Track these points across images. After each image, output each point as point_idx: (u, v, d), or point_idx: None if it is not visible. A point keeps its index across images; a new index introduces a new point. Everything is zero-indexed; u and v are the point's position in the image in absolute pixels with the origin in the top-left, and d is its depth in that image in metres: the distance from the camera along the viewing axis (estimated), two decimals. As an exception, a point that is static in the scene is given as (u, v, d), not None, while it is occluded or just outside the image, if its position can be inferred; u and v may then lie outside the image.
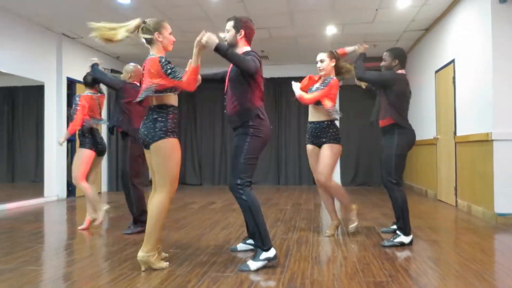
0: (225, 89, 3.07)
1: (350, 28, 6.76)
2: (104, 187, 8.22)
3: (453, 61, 5.70)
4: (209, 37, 2.63)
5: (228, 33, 3.04)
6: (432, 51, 6.70)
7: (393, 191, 3.46)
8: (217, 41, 2.66)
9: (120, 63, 8.67)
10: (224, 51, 2.68)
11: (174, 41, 2.90)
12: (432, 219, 4.73)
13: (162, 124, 2.72)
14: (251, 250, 3.19)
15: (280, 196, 7.11)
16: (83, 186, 4.19)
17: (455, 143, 5.53)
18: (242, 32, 3.03)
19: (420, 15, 6.13)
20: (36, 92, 6.64)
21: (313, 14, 6.13)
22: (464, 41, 5.33)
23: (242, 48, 3.04)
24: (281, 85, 9.41)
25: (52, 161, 6.87)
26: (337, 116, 3.74)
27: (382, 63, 3.70)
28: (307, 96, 3.74)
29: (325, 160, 3.70)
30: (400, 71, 3.60)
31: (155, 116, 2.74)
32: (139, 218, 4.00)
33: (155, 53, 2.78)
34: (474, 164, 4.94)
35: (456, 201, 5.55)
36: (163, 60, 2.70)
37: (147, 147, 2.78)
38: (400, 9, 5.84)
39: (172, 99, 2.80)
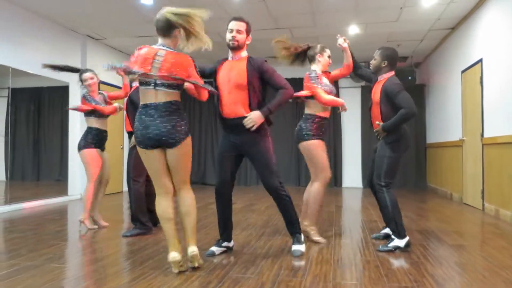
0: (221, 92, 3.04)
1: (373, 28, 6.65)
2: (125, 187, 8.31)
3: (480, 60, 5.53)
4: (254, 123, 2.89)
5: (240, 34, 3.01)
6: (458, 51, 6.53)
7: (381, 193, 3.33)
8: (260, 115, 2.89)
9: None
10: (270, 111, 2.94)
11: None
12: (458, 223, 4.60)
13: (185, 122, 2.69)
14: (224, 252, 3.20)
15: (300, 197, 6.99)
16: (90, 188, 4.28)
17: (482, 144, 5.36)
18: (250, 37, 3.11)
19: (446, 14, 5.98)
20: (61, 92, 6.78)
21: (335, 14, 6.06)
22: (492, 40, 5.17)
23: (244, 52, 3.09)
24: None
25: (76, 160, 6.99)
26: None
27: (371, 61, 3.51)
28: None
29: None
30: (389, 74, 3.40)
31: (176, 115, 2.65)
32: (138, 217, 3.92)
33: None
34: (502, 166, 4.79)
35: (483, 205, 5.38)
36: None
37: (171, 146, 2.62)
38: (425, 7, 5.71)
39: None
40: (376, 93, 3.42)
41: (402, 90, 3.26)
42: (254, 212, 5.33)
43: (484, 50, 5.45)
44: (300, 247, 3.15)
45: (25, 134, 6.56)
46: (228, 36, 3.02)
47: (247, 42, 3.07)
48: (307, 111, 3.70)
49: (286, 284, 2.46)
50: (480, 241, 3.72)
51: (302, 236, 3.23)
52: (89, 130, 4.27)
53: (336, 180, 9.17)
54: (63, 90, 6.77)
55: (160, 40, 2.70)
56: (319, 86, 3.57)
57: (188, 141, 2.69)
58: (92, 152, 4.24)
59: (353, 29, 6.70)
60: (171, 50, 2.67)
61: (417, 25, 6.50)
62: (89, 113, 4.26)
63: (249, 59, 3.03)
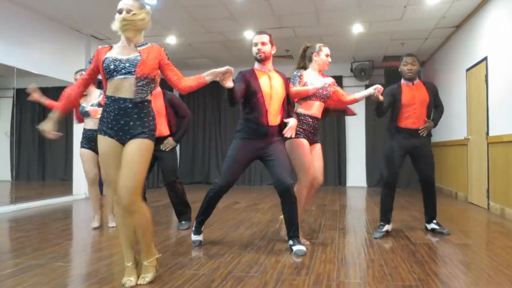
0: (264, 101, 3.21)
1: (377, 26, 6.63)
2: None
3: (485, 59, 5.50)
4: (293, 131, 3.22)
5: (265, 46, 3.25)
6: (463, 49, 6.49)
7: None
8: (296, 122, 3.23)
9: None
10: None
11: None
12: (463, 222, 4.57)
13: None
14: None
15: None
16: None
17: (488, 143, 5.33)
18: (275, 48, 3.35)
19: (451, 12, 5.95)
20: (65, 93, 6.79)
21: (339, 13, 6.04)
22: (497, 38, 5.13)
23: (271, 63, 3.37)
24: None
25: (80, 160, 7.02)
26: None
27: (407, 67, 3.78)
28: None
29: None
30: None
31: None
32: (188, 212, 4.26)
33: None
34: (507, 165, 4.75)
35: (488, 204, 5.35)
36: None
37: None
38: (430, 5, 5.68)
39: None
40: (421, 94, 3.79)
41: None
42: (258, 212, 5.33)
43: (489, 48, 5.42)
44: (302, 247, 3.16)
45: (30, 134, 6.60)
46: (254, 49, 3.28)
47: (273, 52, 3.32)
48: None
49: (290, 283, 2.46)
50: (485, 240, 3.70)
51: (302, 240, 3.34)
52: (83, 130, 4.32)
53: (340, 179, 9.16)
54: (68, 90, 6.79)
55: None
56: (297, 86, 3.40)
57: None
58: (81, 152, 4.26)
59: (357, 28, 6.68)
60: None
61: (421, 24, 6.47)
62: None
63: (280, 73, 3.40)
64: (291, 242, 3.22)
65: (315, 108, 3.48)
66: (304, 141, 3.40)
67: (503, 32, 4.96)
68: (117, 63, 2.37)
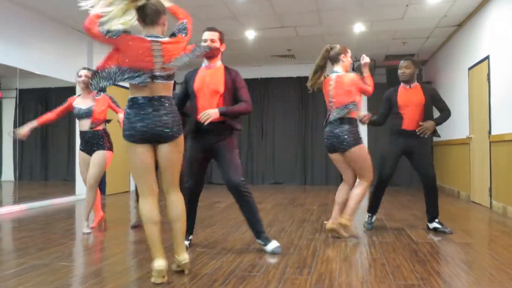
0: (197, 98, 3.19)
1: (379, 25, 6.62)
2: (132, 186, 8.36)
3: (487, 57, 5.49)
4: (209, 116, 2.98)
5: (213, 43, 3.18)
6: (465, 48, 6.48)
7: None
8: (216, 111, 3.02)
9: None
10: (226, 113, 3.09)
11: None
12: (465, 221, 4.57)
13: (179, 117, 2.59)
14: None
15: (306, 196, 7.05)
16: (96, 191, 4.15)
17: (490, 142, 5.33)
18: (224, 46, 3.29)
19: (453, 10, 5.94)
20: (68, 93, 6.79)
21: (341, 12, 6.04)
22: (499, 37, 5.13)
23: (219, 60, 3.26)
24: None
25: (83, 160, 7.05)
26: None
27: (406, 70, 3.90)
28: None
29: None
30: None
31: (171, 107, 2.55)
32: None
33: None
34: (510, 164, 4.75)
35: (491, 203, 5.35)
36: None
37: (169, 139, 2.51)
38: (431, 4, 5.68)
39: None
40: (417, 97, 3.86)
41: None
42: (261, 211, 5.31)
43: (491, 47, 5.41)
44: (276, 244, 3.17)
45: (33, 135, 6.60)
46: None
47: (222, 50, 3.27)
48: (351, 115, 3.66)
49: (292, 282, 2.47)
50: (488, 239, 3.70)
51: (266, 233, 3.27)
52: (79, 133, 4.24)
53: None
54: (70, 91, 6.81)
55: (146, 30, 2.53)
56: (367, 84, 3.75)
57: (182, 138, 2.60)
58: (78, 154, 4.23)
59: (359, 27, 6.68)
60: (166, 39, 2.54)
61: (423, 23, 6.46)
62: None
63: (226, 68, 3.25)
64: (260, 241, 3.21)
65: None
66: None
67: (505, 30, 4.96)
68: None
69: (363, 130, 8.93)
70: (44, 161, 6.91)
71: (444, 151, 7.74)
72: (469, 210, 5.38)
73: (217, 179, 9.61)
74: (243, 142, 9.63)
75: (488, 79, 5.43)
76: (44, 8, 5.86)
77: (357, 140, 3.61)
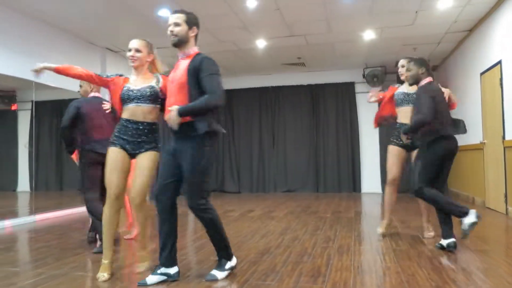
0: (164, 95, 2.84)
1: (389, 32, 6.63)
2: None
3: (499, 62, 5.45)
4: (171, 120, 2.52)
5: (178, 27, 2.65)
6: (476, 53, 6.44)
7: None
8: (176, 115, 2.50)
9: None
10: (186, 111, 2.53)
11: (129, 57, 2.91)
12: (481, 227, 4.51)
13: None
14: (163, 282, 2.66)
15: (319, 204, 7.04)
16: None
17: (504, 147, 5.27)
18: (195, 29, 2.73)
19: (463, 16, 5.92)
20: (82, 104, 6.94)
21: (350, 20, 6.06)
22: (511, 41, 5.09)
23: (193, 48, 2.73)
24: (318, 92, 9.35)
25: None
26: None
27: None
28: None
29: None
30: (428, 79, 3.53)
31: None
32: None
33: None
34: (525, 169, 4.69)
35: (507, 209, 5.27)
36: None
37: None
38: (441, 10, 5.67)
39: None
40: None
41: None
42: (273, 219, 5.35)
43: (503, 51, 5.37)
44: (217, 273, 2.72)
45: (48, 146, 6.76)
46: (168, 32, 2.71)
47: (191, 34, 2.70)
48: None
49: (307, 291, 2.47)
50: (504, 246, 3.65)
51: (228, 263, 2.78)
52: None
53: (354, 185, 9.11)
54: (84, 102, 6.94)
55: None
56: None
57: None
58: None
59: (369, 34, 6.69)
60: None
61: (433, 28, 6.45)
62: None
63: (194, 57, 2.68)
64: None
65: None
66: (392, 147, 3.99)
67: (517, 35, 4.92)
68: None
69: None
70: (59, 172, 7.01)
71: (458, 157, 7.62)
72: (485, 216, 5.31)
73: (229, 187, 9.64)
74: (255, 151, 9.66)
75: (501, 84, 5.38)
76: (59, 22, 5.99)
77: None
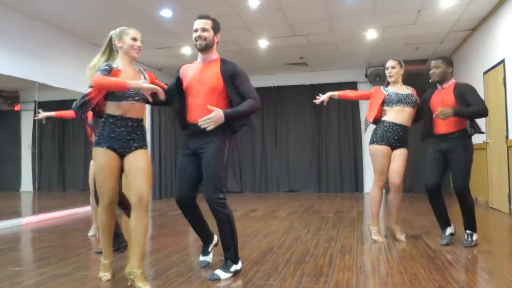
0: (188, 95, 2.85)
1: (391, 31, 6.61)
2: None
3: (503, 61, 5.43)
4: (215, 121, 2.60)
5: (205, 32, 2.81)
6: (479, 52, 6.42)
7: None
8: (222, 115, 2.62)
9: (163, 75, 8.94)
10: (231, 115, 2.68)
11: (138, 47, 2.82)
12: (484, 228, 4.50)
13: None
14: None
15: (322, 204, 7.03)
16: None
17: (508, 147, 5.25)
18: (219, 35, 2.92)
19: (466, 15, 5.90)
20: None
21: (353, 19, 6.05)
22: (515, 40, 5.07)
23: (215, 53, 2.91)
24: (321, 91, 9.27)
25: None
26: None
27: (435, 70, 3.63)
28: None
29: (405, 163, 3.89)
30: (453, 80, 3.66)
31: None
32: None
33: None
34: (529, 169, 4.67)
35: (510, 209, 5.26)
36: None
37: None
38: (444, 9, 5.65)
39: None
40: (450, 99, 3.55)
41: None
42: (276, 219, 5.34)
43: (506, 50, 5.35)
44: (221, 273, 2.73)
45: (51, 146, 6.77)
46: (194, 35, 2.84)
47: (216, 40, 2.88)
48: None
49: (309, 291, 2.47)
50: (508, 246, 3.64)
51: (233, 266, 2.79)
52: None
53: (357, 185, 9.10)
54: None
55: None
56: None
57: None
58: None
59: (371, 34, 6.68)
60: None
61: (436, 27, 6.43)
62: None
63: (223, 61, 2.87)
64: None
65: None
66: (379, 147, 3.95)
67: (520, 34, 4.90)
68: None
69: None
70: (62, 172, 7.03)
71: (461, 156, 7.62)
72: (488, 216, 5.30)
73: (232, 187, 9.64)
74: (257, 150, 9.66)
75: (504, 83, 5.36)
76: (61, 22, 6.01)
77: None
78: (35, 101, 6.07)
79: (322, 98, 4.16)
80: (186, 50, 7.41)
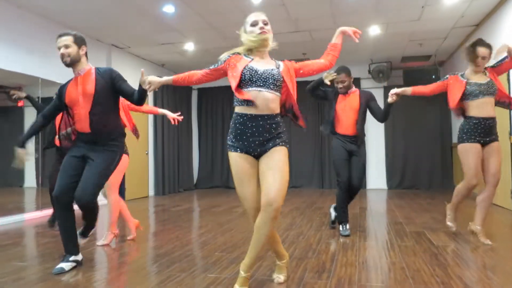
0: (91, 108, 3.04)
1: (395, 27, 6.58)
2: (151, 192, 8.47)
3: (506, 57, 5.39)
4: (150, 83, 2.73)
5: (68, 49, 3.04)
6: (483, 48, 6.38)
7: None
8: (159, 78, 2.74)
9: (166, 71, 8.94)
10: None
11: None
12: (487, 224, 4.48)
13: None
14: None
15: (324, 200, 7.03)
16: (114, 199, 3.89)
17: (511, 143, 5.23)
18: (84, 48, 3.19)
19: (470, 11, 5.87)
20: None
21: (356, 15, 6.03)
22: (519, 35, 5.04)
23: (88, 64, 3.17)
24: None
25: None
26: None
27: (342, 85, 4.32)
28: None
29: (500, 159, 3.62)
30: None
31: None
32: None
33: None
34: (532, 165, 4.65)
35: (513, 205, 5.24)
36: None
37: None
38: (448, 5, 5.62)
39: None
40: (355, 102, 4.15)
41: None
42: (279, 215, 5.34)
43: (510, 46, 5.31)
44: (65, 265, 2.86)
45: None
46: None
47: (81, 52, 3.15)
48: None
49: (311, 286, 2.48)
50: (511, 242, 3.63)
51: (72, 257, 2.93)
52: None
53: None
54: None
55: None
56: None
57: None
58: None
59: (374, 30, 6.65)
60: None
61: (439, 23, 6.40)
62: None
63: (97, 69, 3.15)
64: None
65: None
66: (471, 145, 3.73)
67: (524, 30, 4.87)
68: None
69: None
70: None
71: (464, 153, 7.60)
72: (491, 212, 5.28)
73: (233, 183, 9.63)
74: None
75: (508, 79, 5.33)
76: (65, 18, 6.01)
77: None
78: (38, 97, 6.08)
79: (395, 91, 3.74)
80: (189, 46, 7.40)
